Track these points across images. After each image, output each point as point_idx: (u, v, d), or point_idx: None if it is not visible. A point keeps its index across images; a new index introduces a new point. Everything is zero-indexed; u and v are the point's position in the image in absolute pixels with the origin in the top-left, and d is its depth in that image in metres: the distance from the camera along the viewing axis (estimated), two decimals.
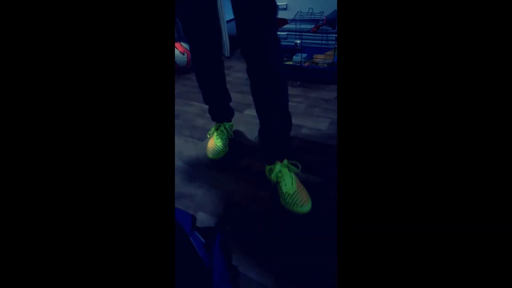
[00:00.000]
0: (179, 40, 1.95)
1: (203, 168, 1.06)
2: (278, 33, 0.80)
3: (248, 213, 0.85)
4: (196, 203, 0.90)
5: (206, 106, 1.12)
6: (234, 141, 1.17)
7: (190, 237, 0.55)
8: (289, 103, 0.87)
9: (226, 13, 1.87)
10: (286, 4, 1.96)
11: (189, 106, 1.53)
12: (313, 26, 1.67)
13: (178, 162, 1.09)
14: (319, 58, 1.61)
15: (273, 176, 0.87)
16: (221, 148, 1.08)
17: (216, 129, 1.13)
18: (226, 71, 1.07)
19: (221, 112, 1.13)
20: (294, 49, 1.75)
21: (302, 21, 1.69)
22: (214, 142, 1.09)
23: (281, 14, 1.87)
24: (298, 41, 1.74)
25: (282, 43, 0.79)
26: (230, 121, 1.18)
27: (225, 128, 1.14)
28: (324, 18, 1.62)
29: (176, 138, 1.24)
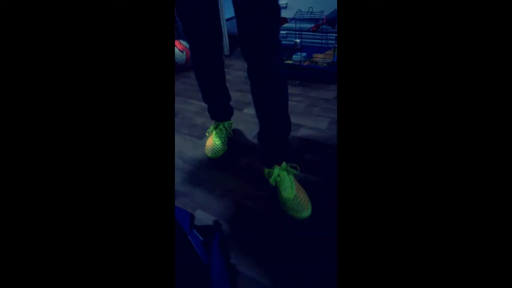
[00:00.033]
0: (178, 38, 1.94)
1: (202, 167, 1.05)
2: None
3: (248, 212, 0.85)
4: (195, 202, 0.90)
5: (205, 104, 1.11)
6: (233, 139, 1.17)
7: (189, 235, 0.55)
8: (289, 102, 0.87)
9: (226, 11, 1.86)
10: (286, 3, 1.96)
11: (188, 104, 1.52)
12: (313, 25, 1.67)
13: (176, 160, 1.09)
14: (318, 57, 1.61)
15: (271, 180, 0.87)
16: (220, 146, 1.07)
17: (215, 128, 1.12)
18: (225, 70, 1.07)
19: (220, 111, 1.12)
20: (293, 48, 1.75)
21: (302, 20, 1.69)
22: (213, 141, 1.09)
23: (281, 13, 1.87)
24: (298, 40, 1.73)
25: (282, 42, 0.78)
26: (229, 120, 1.18)
27: (224, 126, 1.13)
28: (324, 17, 1.62)
29: (175, 136, 1.24)
